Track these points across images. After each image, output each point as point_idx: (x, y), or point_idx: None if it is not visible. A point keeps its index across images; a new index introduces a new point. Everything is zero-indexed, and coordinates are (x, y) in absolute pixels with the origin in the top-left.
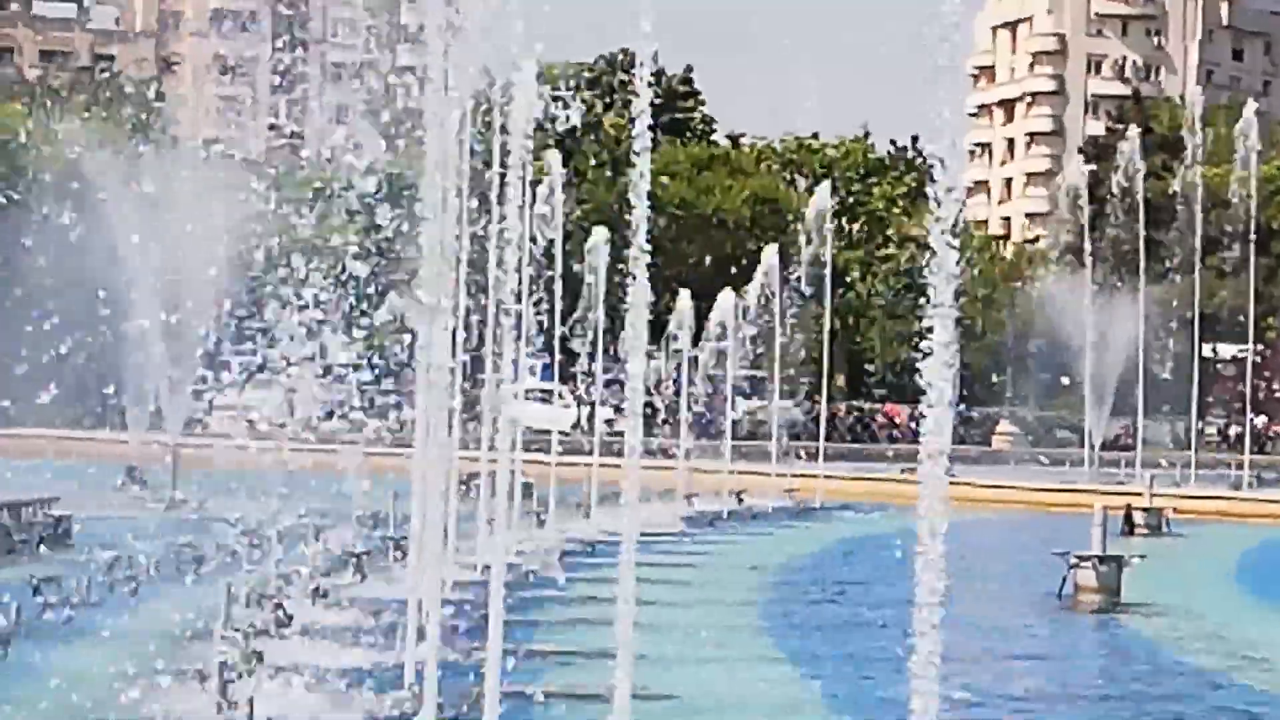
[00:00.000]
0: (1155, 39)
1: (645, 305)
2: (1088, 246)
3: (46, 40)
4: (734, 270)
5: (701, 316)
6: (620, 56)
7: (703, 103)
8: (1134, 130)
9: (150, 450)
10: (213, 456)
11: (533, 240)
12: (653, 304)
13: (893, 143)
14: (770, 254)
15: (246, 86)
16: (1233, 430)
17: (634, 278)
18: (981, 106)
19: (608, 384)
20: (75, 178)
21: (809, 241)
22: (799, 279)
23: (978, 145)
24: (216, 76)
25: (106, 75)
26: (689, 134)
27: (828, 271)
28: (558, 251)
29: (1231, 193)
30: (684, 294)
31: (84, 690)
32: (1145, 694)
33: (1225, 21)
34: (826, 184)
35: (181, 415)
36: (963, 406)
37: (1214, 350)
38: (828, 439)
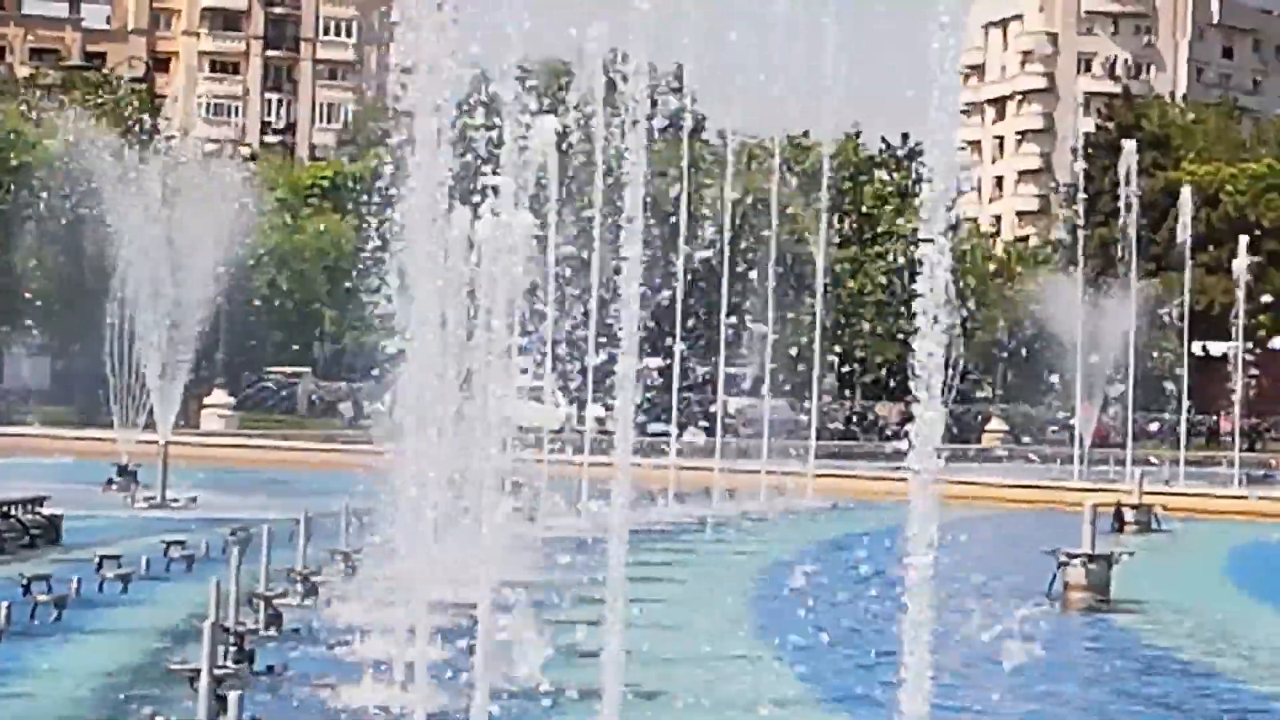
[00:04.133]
0: (1146, 37)
1: (637, 302)
2: (1080, 244)
3: (37, 39)
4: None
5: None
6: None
7: (694, 101)
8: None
9: (140, 448)
10: (203, 455)
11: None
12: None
13: (884, 140)
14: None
15: (238, 85)
16: (1222, 427)
17: (626, 272)
18: (971, 104)
19: (599, 381)
20: (67, 176)
21: (800, 240)
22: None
23: (967, 143)
24: (208, 74)
25: (96, 73)
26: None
27: (819, 268)
28: (549, 250)
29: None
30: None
31: (72, 690)
32: (1134, 690)
33: (1216, 19)
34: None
35: (172, 413)
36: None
37: (1204, 348)
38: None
